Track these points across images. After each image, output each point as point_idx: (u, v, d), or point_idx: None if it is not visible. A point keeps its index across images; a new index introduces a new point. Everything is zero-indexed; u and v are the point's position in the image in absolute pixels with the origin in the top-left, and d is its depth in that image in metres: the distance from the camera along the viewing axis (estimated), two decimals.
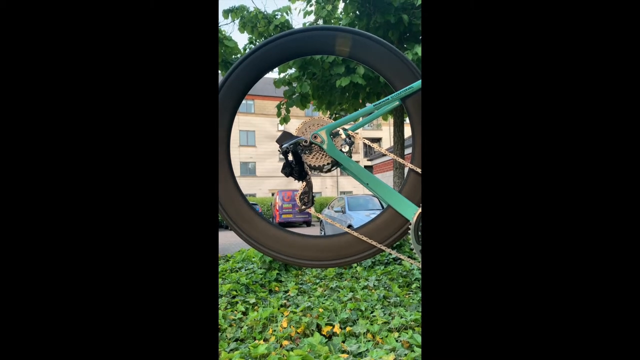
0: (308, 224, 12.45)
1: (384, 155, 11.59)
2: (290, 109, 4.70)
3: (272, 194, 17.26)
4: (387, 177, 10.07)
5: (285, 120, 4.75)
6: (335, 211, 7.13)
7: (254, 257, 3.72)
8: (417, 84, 0.83)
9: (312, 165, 0.85)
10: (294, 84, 4.63)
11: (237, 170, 19.08)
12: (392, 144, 5.02)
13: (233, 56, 4.48)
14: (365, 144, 23.18)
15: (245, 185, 19.09)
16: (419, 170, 0.81)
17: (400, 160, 1.02)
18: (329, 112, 4.80)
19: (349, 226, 6.21)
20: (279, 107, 4.85)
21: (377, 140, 21.62)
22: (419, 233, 0.77)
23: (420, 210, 0.78)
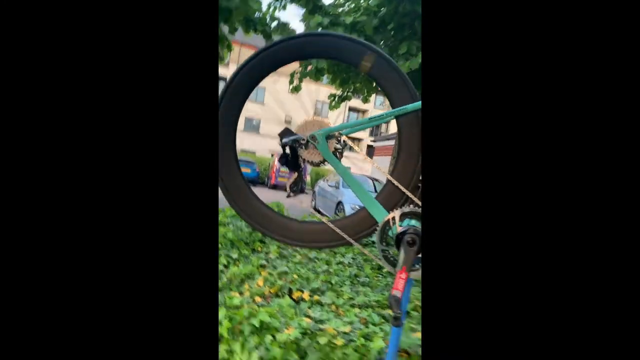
0: (302, 191, 12.66)
1: (387, 139, 11.57)
2: (303, 79, 4.70)
3: (272, 155, 17.34)
4: (385, 162, 10.16)
5: (296, 89, 4.76)
6: (330, 185, 7.29)
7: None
8: (412, 105, 0.93)
9: (305, 159, 0.96)
10: None
11: (240, 124, 18.97)
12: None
13: (256, 13, 4.39)
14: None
15: (247, 142, 19.07)
16: (396, 182, 0.93)
17: None
18: (341, 90, 4.81)
19: (339, 203, 6.39)
20: (292, 75, 4.84)
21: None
22: (383, 235, 0.90)
23: (388, 216, 0.91)
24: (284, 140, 0.91)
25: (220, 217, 3.94)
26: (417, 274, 0.86)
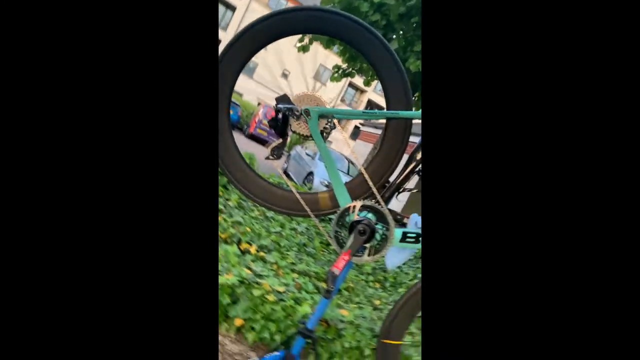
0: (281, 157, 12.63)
1: (375, 127, 11.63)
2: (313, 41, 4.57)
3: (258, 104, 16.88)
4: (366, 148, 10.29)
5: (304, 48, 4.63)
6: (306, 154, 7.32)
7: None
8: (405, 113, 0.99)
9: (293, 129, 1.01)
10: None
11: None
12: None
13: None
14: (370, 105, 22.56)
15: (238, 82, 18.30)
16: (367, 177, 1.01)
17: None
18: (347, 64, 4.75)
19: (311, 173, 6.48)
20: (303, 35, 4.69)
21: (382, 109, 21.45)
22: (340, 219, 0.99)
23: (350, 204, 0.99)
24: (279, 105, 0.94)
25: None
26: (358, 260, 0.96)
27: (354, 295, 2.31)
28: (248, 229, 2.47)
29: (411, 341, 1.90)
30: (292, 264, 2.33)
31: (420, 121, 0.87)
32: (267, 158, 1.02)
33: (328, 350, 1.74)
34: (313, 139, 1.01)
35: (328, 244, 3.33)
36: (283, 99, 0.96)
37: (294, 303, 1.76)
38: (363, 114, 1.01)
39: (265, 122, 11.86)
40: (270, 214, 3.30)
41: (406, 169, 1.06)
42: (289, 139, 1.03)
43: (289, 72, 19.57)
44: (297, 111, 0.96)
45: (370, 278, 2.74)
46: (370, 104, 22.10)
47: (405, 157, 1.06)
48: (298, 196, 1.03)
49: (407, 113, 0.98)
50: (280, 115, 0.96)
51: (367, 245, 0.96)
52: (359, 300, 2.26)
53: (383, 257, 1.01)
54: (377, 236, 0.96)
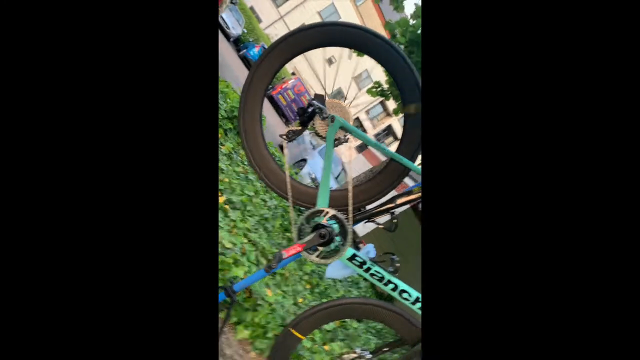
0: (288, 123, 12.64)
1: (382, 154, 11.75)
2: None
3: (293, 73, 16.75)
4: (364, 166, 10.45)
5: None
6: (310, 142, 7.40)
7: (229, 99, 3.91)
8: (408, 162, 1.11)
9: (314, 125, 1.12)
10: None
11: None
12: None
13: None
14: (388, 130, 22.54)
15: None
16: (349, 196, 1.12)
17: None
18: (388, 85, 4.85)
19: (304, 160, 6.58)
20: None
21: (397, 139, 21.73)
22: (310, 216, 1.10)
23: (325, 209, 1.10)
24: (313, 101, 1.05)
25: None
26: (306, 256, 1.08)
27: (284, 284, 2.44)
28: (226, 180, 2.56)
29: (310, 345, 2.04)
30: (248, 230, 2.43)
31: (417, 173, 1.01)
32: (282, 136, 1.12)
33: (239, 316, 1.86)
34: (325, 141, 1.12)
35: (286, 230, 3.44)
36: (320, 97, 1.07)
37: (232, 262, 1.87)
38: (375, 144, 1.13)
39: (290, 92, 11.85)
40: (251, 177, 3.38)
41: (384, 205, 1.18)
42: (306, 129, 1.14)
43: (335, 60, 19.53)
44: (326, 114, 1.07)
45: (306, 277, 2.88)
46: (389, 130, 22.30)
47: (394, 192, 1.18)
48: (288, 179, 1.14)
49: (409, 163, 1.10)
50: (310, 109, 1.07)
51: (320, 248, 1.08)
52: (286, 290, 2.39)
53: (326, 265, 1.13)
54: (332, 245, 1.08)
